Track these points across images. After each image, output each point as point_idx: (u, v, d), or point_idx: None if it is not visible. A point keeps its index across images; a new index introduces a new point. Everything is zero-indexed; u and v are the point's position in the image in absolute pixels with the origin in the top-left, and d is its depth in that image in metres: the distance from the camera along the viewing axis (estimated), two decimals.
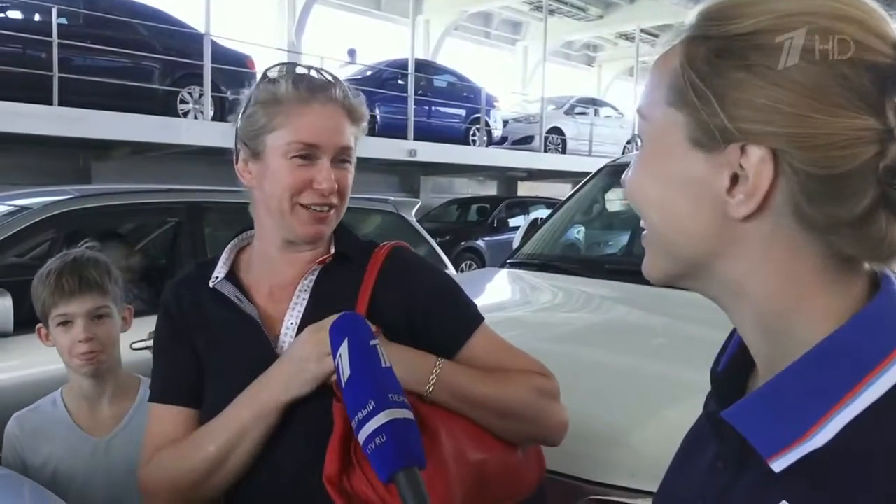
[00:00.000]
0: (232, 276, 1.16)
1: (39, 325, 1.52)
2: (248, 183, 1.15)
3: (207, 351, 1.14)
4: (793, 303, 0.54)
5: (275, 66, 1.15)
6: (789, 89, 0.50)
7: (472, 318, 1.16)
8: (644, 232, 0.61)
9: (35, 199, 3.54)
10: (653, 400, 1.61)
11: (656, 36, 19.31)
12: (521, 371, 1.13)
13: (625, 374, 1.77)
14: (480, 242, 11.27)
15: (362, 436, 0.74)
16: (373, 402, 0.74)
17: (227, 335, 1.13)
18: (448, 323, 1.14)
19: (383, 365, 0.79)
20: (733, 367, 0.62)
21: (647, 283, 0.63)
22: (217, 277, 1.14)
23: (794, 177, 0.51)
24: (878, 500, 0.46)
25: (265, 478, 1.08)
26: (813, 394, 0.51)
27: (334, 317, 0.99)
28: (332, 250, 1.16)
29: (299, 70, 1.16)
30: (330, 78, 1.14)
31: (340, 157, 1.11)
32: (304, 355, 1.03)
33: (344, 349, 0.80)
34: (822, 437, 0.50)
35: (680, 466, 0.67)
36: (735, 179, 0.52)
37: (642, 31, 17.82)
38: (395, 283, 1.13)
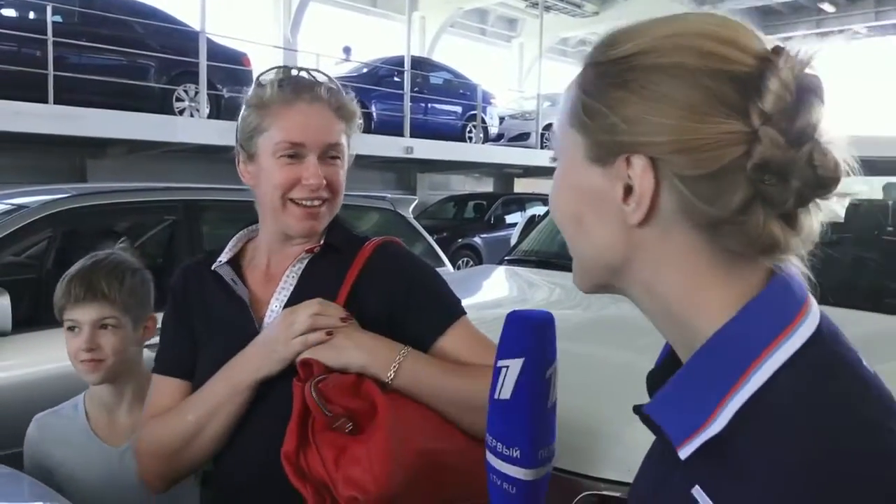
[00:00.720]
0: (234, 262, 1.24)
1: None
2: (247, 182, 1.23)
3: (202, 328, 1.22)
4: (692, 298, 0.59)
5: (268, 69, 1.21)
6: (661, 102, 0.56)
7: (450, 312, 1.19)
8: (568, 244, 0.66)
9: (31, 198, 3.54)
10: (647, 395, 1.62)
11: None
12: (490, 366, 1.13)
13: (621, 370, 1.78)
14: (477, 239, 11.28)
15: (491, 462, 0.73)
16: (518, 451, 0.73)
17: (220, 315, 1.21)
18: (425, 316, 1.17)
19: (548, 405, 0.75)
20: (667, 364, 0.66)
21: None
22: (220, 261, 1.22)
23: (675, 181, 0.56)
24: (769, 480, 0.50)
25: (241, 451, 1.14)
26: (709, 384, 0.56)
27: (309, 302, 1.07)
28: (321, 241, 1.21)
29: (292, 72, 1.22)
30: (318, 78, 1.20)
31: (328, 153, 1.17)
32: (274, 336, 1.09)
33: (516, 367, 0.73)
34: (718, 423, 0.54)
35: (644, 462, 0.71)
36: (629, 190, 0.58)
37: None
38: (379, 276, 1.18)
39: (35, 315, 3.41)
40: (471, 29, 18.36)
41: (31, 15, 8.08)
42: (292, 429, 1.02)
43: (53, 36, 7.51)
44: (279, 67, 1.22)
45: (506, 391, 0.73)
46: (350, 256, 1.19)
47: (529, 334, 0.75)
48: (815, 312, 0.58)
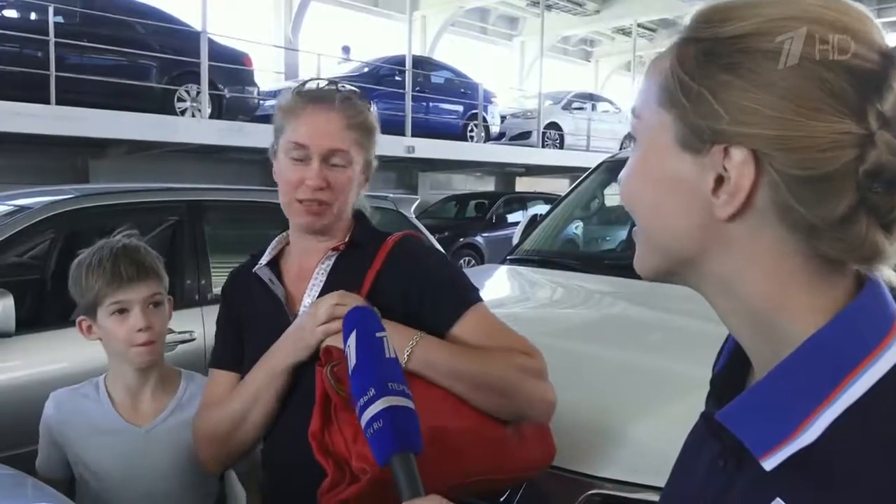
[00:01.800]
0: (274, 262, 1.35)
1: (81, 317, 1.47)
2: (275, 179, 1.33)
3: (247, 325, 1.35)
4: (777, 301, 0.55)
5: (311, 79, 1.35)
6: (772, 92, 0.51)
7: (466, 298, 1.26)
8: (635, 228, 0.62)
9: (35, 199, 3.54)
10: (653, 394, 1.62)
11: (653, 30, 19.31)
12: (503, 348, 1.21)
13: (625, 369, 1.78)
14: (479, 238, 11.28)
15: (363, 420, 0.79)
16: (373, 390, 0.80)
17: (262, 313, 1.33)
18: (441, 303, 1.25)
19: (387, 356, 0.85)
20: (732, 367, 0.63)
21: None
22: (261, 264, 1.34)
23: (776, 178, 0.52)
24: (860, 495, 0.48)
25: (285, 433, 1.26)
26: (799, 393, 0.52)
27: (331, 294, 1.18)
28: (347, 239, 1.31)
29: (320, 84, 1.33)
30: (337, 88, 1.30)
31: (331, 159, 1.25)
32: (301, 326, 1.21)
33: (352, 339, 0.87)
34: (809, 434, 0.51)
35: (682, 467, 0.68)
36: (720, 181, 0.54)
37: (639, 25, 17.82)
38: (399, 268, 1.27)
39: (38, 316, 3.42)
40: (472, 28, 18.36)
41: (33, 16, 8.10)
42: (317, 410, 1.11)
43: (55, 37, 7.52)
44: (320, 79, 1.35)
45: (353, 358, 0.85)
46: (373, 251, 1.29)
47: (353, 316, 0.90)
48: None
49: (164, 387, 1.52)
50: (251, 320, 1.34)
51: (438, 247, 4.67)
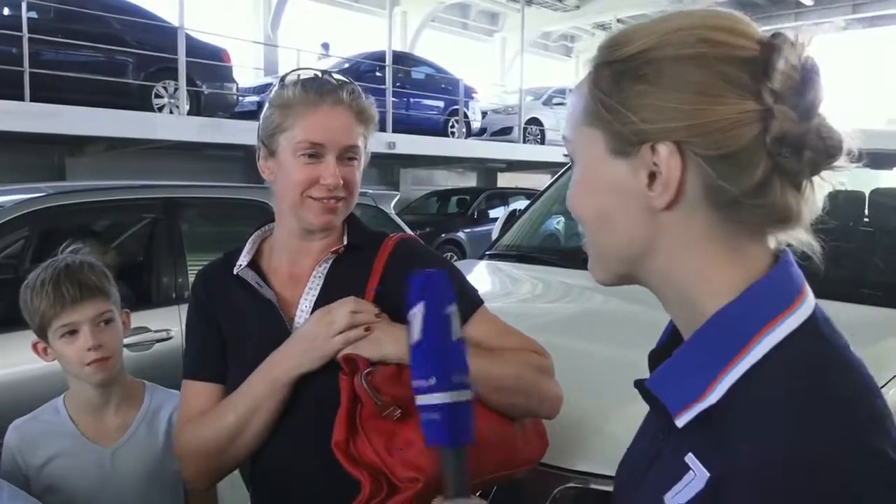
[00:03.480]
0: (254, 263, 1.28)
1: (36, 340, 1.44)
2: (267, 178, 1.27)
3: (231, 332, 1.26)
4: (702, 280, 0.64)
5: (292, 70, 1.27)
6: (679, 90, 0.60)
7: (470, 302, 1.25)
8: (585, 240, 0.71)
9: (8, 197, 3.49)
10: (631, 388, 1.62)
11: None
12: (516, 349, 1.22)
13: (604, 363, 1.78)
14: (461, 234, 11.29)
15: (418, 401, 0.81)
16: (434, 379, 0.81)
17: (248, 318, 1.25)
18: None
19: (454, 338, 0.84)
20: (668, 345, 0.71)
21: None
22: (241, 265, 1.26)
23: (699, 162, 0.60)
24: (747, 443, 0.56)
25: (286, 444, 1.20)
26: (708, 360, 0.61)
27: (346, 300, 1.13)
28: (345, 241, 1.27)
29: (311, 74, 1.27)
30: (340, 80, 1.25)
31: (347, 154, 1.23)
32: (313, 334, 1.14)
33: (419, 311, 0.83)
34: (714, 395, 0.59)
35: (635, 441, 0.77)
36: (652, 176, 0.62)
37: (619, 21, 17.85)
38: (401, 271, 1.22)
39: (11, 316, 3.37)
40: (452, 23, 18.34)
41: (6, 11, 7.97)
42: (341, 420, 1.08)
43: (29, 32, 7.40)
44: (302, 69, 1.28)
45: (416, 333, 0.83)
46: (371, 254, 1.25)
47: (424, 282, 0.85)
48: (810, 298, 0.62)
49: (128, 401, 1.49)
50: (236, 327, 1.26)
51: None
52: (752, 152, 0.59)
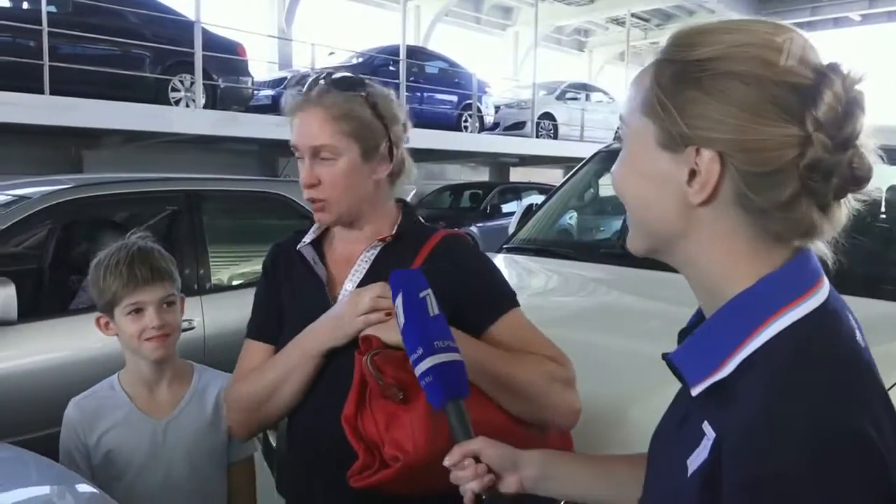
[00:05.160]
0: (317, 243, 1.38)
1: (100, 315, 1.55)
2: None
3: (287, 301, 1.38)
4: (728, 269, 0.69)
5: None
6: (731, 105, 0.65)
7: (503, 302, 1.30)
8: (627, 214, 0.77)
9: (33, 189, 3.55)
10: (648, 380, 1.65)
11: (647, 20, 19.29)
12: (535, 354, 1.24)
13: (620, 356, 1.81)
14: (474, 228, 11.30)
15: (417, 373, 0.95)
16: (420, 349, 0.94)
17: (303, 291, 1.36)
18: (479, 305, 1.28)
19: (431, 314, 0.97)
20: (694, 325, 0.77)
21: (639, 266, 0.76)
22: (305, 242, 1.37)
23: (736, 173, 0.66)
24: (746, 412, 0.62)
25: (315, 415, 1.30)
26: (725, 337, 0.67)
27: (374, 285, 1.22)
28: (395, 230, 1.34)
29: (312, 77, 1.34)
30: (318, 80, 1.30)
31: (320, 154, 1.27)
32: (341, 314, 1.23)
33: (399, 301, 0.98)
34: (726, 370, 0.66)
35: (671, 407, 0.83)
36: (692, 174, 0.67)
37: (633, 15, 17.80)
38: (440, 266, 1.27)
39: (37, 305, 3.44)
40: (466, 17, 18.30)
41: (25, 5, 8.05)
42: (352, 395, 1.15)
43: (48, 26, 7.48)
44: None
45: (401, 319, 0.97)
46: (418, 245, 1.32)
47: (397, 280, 1.03)
48: (823, 291, 0.68)
49: (178, 379, 1.59)
50: (291, 297, 1.37)
51: None
52: (786, 174, 0.64)
